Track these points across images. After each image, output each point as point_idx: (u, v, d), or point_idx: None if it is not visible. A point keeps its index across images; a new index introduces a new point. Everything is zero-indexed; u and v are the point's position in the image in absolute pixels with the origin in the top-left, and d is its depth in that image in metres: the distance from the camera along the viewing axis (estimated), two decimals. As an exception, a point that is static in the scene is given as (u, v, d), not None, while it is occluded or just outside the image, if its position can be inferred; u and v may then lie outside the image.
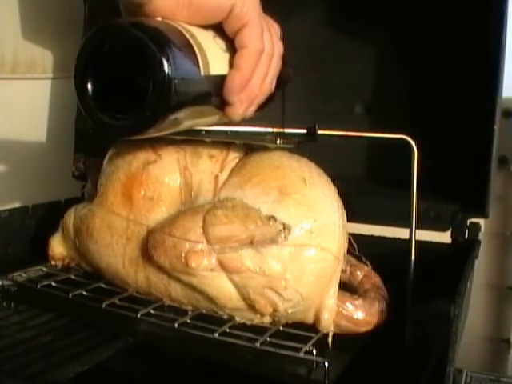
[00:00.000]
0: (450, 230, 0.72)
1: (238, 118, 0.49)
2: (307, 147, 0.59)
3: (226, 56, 0.47)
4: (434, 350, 0.53)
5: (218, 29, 0.47)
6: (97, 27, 0.43)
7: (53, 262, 0.69)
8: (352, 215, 0.59)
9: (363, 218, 0.71)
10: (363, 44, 0.77)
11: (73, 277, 0.66)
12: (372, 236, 0.73)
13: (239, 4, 0.45)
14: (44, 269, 0.68)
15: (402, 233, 0.63)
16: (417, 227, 0.56)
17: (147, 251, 0.57)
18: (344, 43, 0.78)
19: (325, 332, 0.55)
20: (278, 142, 0.57)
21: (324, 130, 0.58)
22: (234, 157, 0.60)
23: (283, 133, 0.59)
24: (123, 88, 0.43)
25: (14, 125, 0.86)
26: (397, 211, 0.65)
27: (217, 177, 0.59)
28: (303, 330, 0.55)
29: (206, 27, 0.46)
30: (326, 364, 0.50)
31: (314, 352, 0.52)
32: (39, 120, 0.93)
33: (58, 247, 0.68)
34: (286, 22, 0.78)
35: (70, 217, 0.66)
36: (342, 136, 0.59)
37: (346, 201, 0.58)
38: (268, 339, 0.53)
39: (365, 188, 0.75)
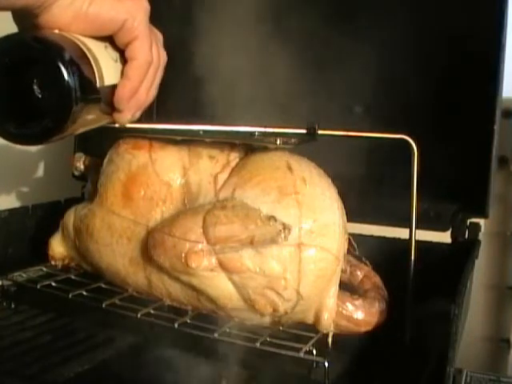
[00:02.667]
0: (450, 229, 0.72)
1: (125, 123, 0.52)
2: (307, 147, 0.59)
3: (117, 66, 0.50)
4: (434, 350, 0.53)
5: (109, 40, 0.49)
6: None
7: (53, 262, 0.69)
8: (352, 215, 0.59)
9: (363, 218, 0.71)
10: (363, 44, 0.77)
11: (73, 277, 0.67)
12: (372, 236, 0.73)
13: (131, 18, 0.48)
14: (44, 269, 0.68)
15: (402, 233, 0.63)
16: (417, 227, 0.56)
17: (147, 251, 0.57)
18: (344, 43, 0.78)
19: (325, 332, 0.55)
20: (278, 142, 0.57)
21: (324, 130, 0.58)
22: (234, 157, 0.60)
23: (283, 133, 0.59)
24: (27, 98, 0.45)
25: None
26: (397, 211, 0.65)
27: (217, 177, 0.59)
28: (303, 330, 0.55)
29: (98, 38, 0.49)
30: (326, 364, 0.50)
31: (314, 352, 0.52)
32: None
33: (58, 247, 0.68)
34: (286, 21, 0.78)
35: (70, 217, 0.66)
36: (342, 136, 0.59)
37: (345, 201, 0.58)
38: (268, 339, 0.53)
39: (365, 188, 0.75)
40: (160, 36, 0.54)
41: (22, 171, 0.89)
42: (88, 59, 0.46)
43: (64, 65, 0.43)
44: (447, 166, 0.71)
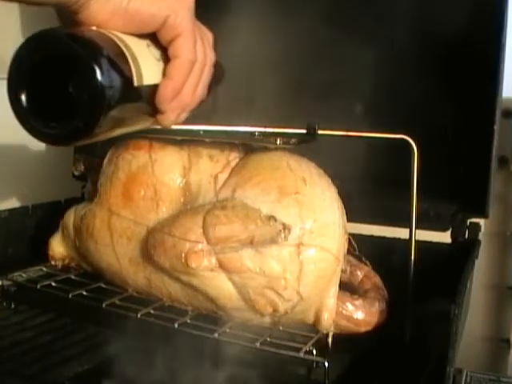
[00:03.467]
0: (450, 229, 0.72)
1: (169, 125, 0.50)
2: (307, 147, 0.59)
3: (160, 65, 0.48)
4: (434, 350, 0.53)
5: (153, 38, 0.48)
6: (30, 36, 0.43)
7: (53, 262, 0.69)
8: (352, 215, 0.59)
9: (363, 218, 0.71)
10: (363, 44, 0.77)
11: (73, 277, 0.67)
12: (372, 236, 0.73)
13: (173, 15, 0.46)
14: (44, 269, 0.68)
15: (402, 233, 0.63)
16: (417, 227, 0.56)
17: (147, 251, 0.57)
18: (344, 43, 0.77)
19: (325, 332, 0.55)
20: (278, 142, 0.57)
21: (324, 130, 0.58)
22: (234, 157, 0.60)
23: (283, 133, 0.59)
24: (58, 96, 0.44)
25: (14, 125, 0.86)
26: (397, 211, 0.65)
27: (217, 177, 0.59)
28: (303, 330, 0.55)
29: (140, 36, 0.47)
30: (326, 364, 0.50)
31: (314, 352, 0.52)
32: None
33: (58, 247, 0.68)
34: (286, 21, 0.78)
35: (70, 217, 0.66)
36: (342, 136, 0.59)
37: (345, 201, 0.58)
38: (268, 339, 0.53)
39: (365, 188, 0.75)
40: (210, 35, 0.52)
41: (21, 171, 0.89)
42: (125, 57, 0.44)
43: (97, 63, 0.41)
44: (447, 165, 0.71)
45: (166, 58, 0.48)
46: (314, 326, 0.56)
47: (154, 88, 0.47)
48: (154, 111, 0.48)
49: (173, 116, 0.49)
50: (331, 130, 0.59)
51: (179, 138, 0.60)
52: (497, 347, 0.93)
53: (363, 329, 0.57)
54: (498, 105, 0.67)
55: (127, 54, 0.44)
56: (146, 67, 0.46)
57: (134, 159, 0.61)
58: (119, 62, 0.43)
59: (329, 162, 0.58)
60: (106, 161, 0.64)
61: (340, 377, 0.51)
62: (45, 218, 0.78)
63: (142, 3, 0.45)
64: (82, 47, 0.42)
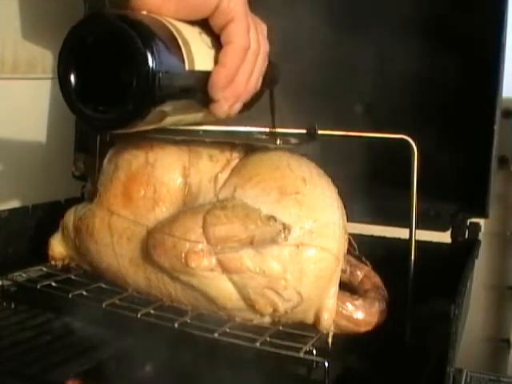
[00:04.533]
0: (450, 229, 0.72)
1: (223, 115, 0.48)
2: (307, 147, 0.59)
3: (212, 52, 0.47)
4: (434, 350, 0.53)
5: (205, 25, 0.46)
6: (82, 18, 0.43)
7: (53, 262, 0.69)
8: (352, 215, 0.59)
9: (363, 218, 0.71)
10: (363, 44, 0.77)
11: (73, 277, 0.66)
12: (372, 236, 0.73)
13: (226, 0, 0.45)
14: (44, 269, 0.68)
15: (402, 233, 0.63)
16: (417, 227, 0.56)
17: (147, 251, 0.57)
18: (344, 43, 0.78)
19: (325, 332, 0.55)
20: (278, 142, 0.57)
21: (324, 130, 0.58)
22: (234, 157, 0.60)
23: (283, 133, 0.59)
24: (107, 80, 0.42)
25: (14, 125, 0.86)
26: (397, 211, 0.65)
27: (217, 177, 0.59)
28: (303, 330, 0.55)
29: (192, 23, 0.46)
30: (326, 364, 0.50)
31: (314, 352, 0.52)
32: (39, 120, 0.93)
33: (58, 247, 0.68)
34: (286, 21, 0.78)
35: (70, 217, 0.66)
36: (342, 136, 0.59)
37: (345, 201, 0.58)
38: (268, 339, 0.53)
39: (365, 188, 0.75)
40: (263, 25, 0.51)
41: (22, 171, 0.89)
42: (177, 43, 0.43)
43: (149, 46, 0.40)
44: (447, 165, 0.71)
45: (219, 46, 0.47)
46: (314, 326, 0.56)
47: (207, 75, 0.45)
48: (207, 100, 0.46)
49: (226, 105, 0.47)
50: (331, 130, 0.59)
51: (179, 137, 0.60)
52: (497, 347, 0.93)
53: (363, 329, 0.57)
54: (498, 105, 0.67)
55: (179, 38, 0.43)
56: (198, 53, 0.45)
57: (134, 159, 0.61)
58: (171, 46, 0.42)
59: (329, 162, 0.59)
60: (105, 161, 0.64)
61: (340, 377, 0.51)
62: (45, 218, 0.78)
63: None
64: (134, 29, 0.40)
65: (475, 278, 0.67)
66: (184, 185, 0.60)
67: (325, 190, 0.56)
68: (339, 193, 0.58)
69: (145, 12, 0.44)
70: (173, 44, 0.43)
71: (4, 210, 0.75)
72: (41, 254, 0.69)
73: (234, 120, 0.56)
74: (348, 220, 0.58)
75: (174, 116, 0.46)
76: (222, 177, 0.59)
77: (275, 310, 0.54)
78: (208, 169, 0.60)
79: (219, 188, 0.58)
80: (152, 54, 0.40)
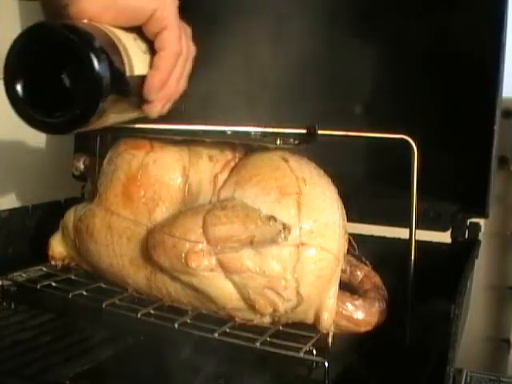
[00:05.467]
0: (450, 230, 0.72)
1: (155, 114, 0.52)
2: (307, 147, 0.59)
3: (146, 57, 0.50)
4: (434, 350, 0.53)
5: (138, 32, 0.49)
6: (27, 27, 0.44)
7: (53, 262, 0.69)
8: (352, 215, 0.59)
9: (363, 218, 0.71)
10: (363, 44, 0.77)
11: (73, 277, 0.66)
12: (372, 236, 0.73)
13: (160, 8, 0.48)
14: (44, 269, 0.68)
15: (402, 233, 0.63)
16: (417, 227, 0.56)
17: (147, 251, 0.57)
18: (344, 43, 0.78)
19: (325, 332, 0.55)
20: (278, 142, 0.57)
21: (324, 129, 0.58)
22: (233, 157, 0.60)
23: (283, 133, 0.59)
24: (54, 86, 0.45)
25: (14, 125, 0.86)
26: (397, 211, 0.65)
27: (217, 177, 0.59)
28: (303, 329, 0.55)
29: (127, 29, 0.49)
30: (326, 364, 0.50)
31: (314, 352, 0.52)
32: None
33: (58, 247, 0.68)
34: (287, 22, 0.78)
35: (70, 217, 0.66)
36: (342, 136, 0.59)
37: (345, 201, 0.58)
38: (268, 339, 0.53)
39: (365, 188, 0.75)
40: (188, 29, 0.54)
41: (22, 171, 0.89)
42: (118, 49, 0.46)
43: (94, 53, 0.42)
44: (447, 165, 0.71)
45: (152, 51, 0.50)
46: (314, 326, 0.56)
47: (142, 79, 0.49)
48: (142, 101, 0.50)
49: (159, 106, 0.51)
50: (331, 130, 0.59)
51: (179, 138, 0.60)
52: (497, 347, 0.93)
53: (363, 329, 0.57)
54: (498, 105, 0.67)
55: (119, 45, 0.46)
56: (136, 59, 0.48)
57: (134, 159, 0.61)
58: (113, 52, 0.45)
59: (329, 162, 0.59)
60: (105, 161, 0.64)
61: (340, 377, 0.51)
62: (45, 218, 0.78)
63: None
64: (80, 37, 0.43)
65: (475, 278, 0.67)
66: (184, 185, 0.60)
67: (325, 190, 0.56)
68: (339, 193, 0.58)
69: (85, 20, 0.46)
70: (114, 50, 0.45)
71: (4, 210, 0.75)
72: (41, 254, 0.69)
73: (235, 120, 0.56)
74: (348, 220, 0.58)
75: (113, 119, 0.49)
76: (222, 177, 0.59)
77: (275, 310, 0.54)
78: (208, 169, 0.60)
79: (219, 188, 0.58)
80: (97, 59, 0.43)
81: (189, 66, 0.53)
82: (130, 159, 0.61)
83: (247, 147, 0.61)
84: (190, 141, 0.61)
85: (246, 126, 0.59)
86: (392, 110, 0.76)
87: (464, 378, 0.68)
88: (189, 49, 0.52)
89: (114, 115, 0.49)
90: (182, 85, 0.53)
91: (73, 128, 0.45)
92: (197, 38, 0.55)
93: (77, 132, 0.47)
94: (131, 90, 0.48)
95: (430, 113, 0.74)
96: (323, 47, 0.80)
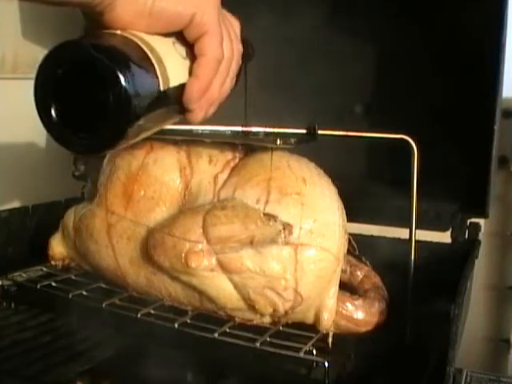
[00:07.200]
0: (450, 229, 0.72)
1: (198, 121, 0.50)
2: (307, 147, 0.59)
3: (186, 63, 0.48)
4: (434, 350, 0.53)
5: (178, 35, 0.48)
6: (53, 48, 0.43)
7: (53, 262, 0.69)
8: (352, 215, 0.59)
9: (363, 218, 0.71)
10: (363, 44, 0.77)
11: (73, 277, 0.67)
12: (372, 236, 0.73)
13: (200, 13, 0.46)
14: (44, 269, 0.68)
15: (402, 233, 0.63)
16: (417, 227, 0.56)
17: (147, 251, 0.57)
18: (344, 43, 0.78)
19: (325, 332, 0.55)
20: (278, 142, 0.57)
21: (324, 129, 0.58)
22: (233, 157, 0.60)
23: (283, 133, 0.59)
24: (85, 106, 0.44)
25: (15, 125, 0.86)
26: (397, 211, 0.65)
27: (217, 177, 0.59)
28: (303, 330, 0.55)
29: (165, 34, 0.47)
30: (326, 364, 0.50)
31: (314, 352, 0.52)
32: (39, 120, 0.93)
33: (58, 247, 0.68)
34: (287, 21, 0.78)
35: (70, 217, 0.66)
36: (342, 136, 0.59)
37: (345, 201, 0.58)
38: (268, 339, 0.53)
39: (365, 188, 0.75)
40: (236, 24, 0.52)
41: (22, 171, 0.89)
42: (151, 62, 0.44)
43: (122, 72, 0.41)
44: (447, 165, 0.71)
45: (193, 55, 0.48)
46: (314, 326, 0.56)
47: (181, 87, 0.47)
48: (182, 110, 0.48)
49: (201, 113, 0.49)
50: (331, 129, 0.59)
51: (179, 138, 0.60)
52: (497, 347, 0.93)
53: (363, 329, 0.57)
54: (498, 105, 0.67)
55: (152, 58, 0.44)
56: (172, 68, 0.46)
57: (134, 159, 0.61)
58: (145, 67, 0.43)
59: (329, 162, 0.58)
60: (105, 161, 0.64)
61: (340, 377, 0.51)
62: (45, 218, 0.78)
63: (167, 3, 0.44)
64: (106, 57, 0.41)
65: (475, 278, 0.67)
66: (184, 185, 0.60)
67: (325, 190, 0.56)
68: (339, 193, 0.58)
69: (118, 30, 0.45)
70: (146, 64, 0.44)
71: (4, 210, 0.75)
72: (41, 254, 0.69)
73: (235, 120, 0.56)
74: (348, 220, 0.58)
75: (151, 130, 0.48)
76: (222, 177, 0.59)
77: (275, 310, 0.54)
78: (208, 169, 0.60)
79: (219, 188, 0.58)
80: (125, 78, 0.41)
81: (234, 68, 0.51)
82: (130, 159, 0.62)
83: (247, 147, 0.61)
84: (189, 141, 0.61)
85: (245, 126, 0.59)
86: (392, 110, 0.76)
87: (464, 378, 0.68)
88: (233, 51, 0.50)
89: (155, 125, 0.47)
90: (226, 88, 0.51)
91: (104, 149, 0.45)
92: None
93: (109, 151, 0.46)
94: (168, 103, 0.46)
95: (430, 113, 0.75)
96: (323, 47, 0.80)
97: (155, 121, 0.47)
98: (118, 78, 0.41)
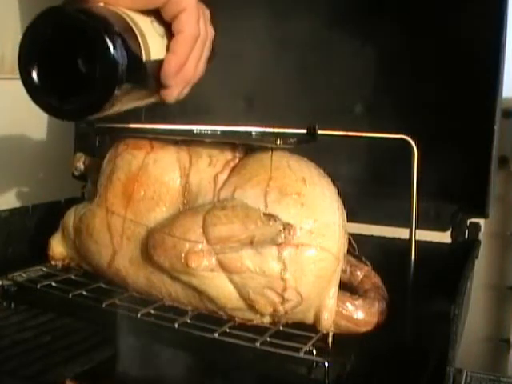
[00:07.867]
0: (450, 229, 0.72)
1: (172, 99, 0.51)
2: (307, 147, 0.59)
3: (164, 41, 0.49)
4: (434, 350, 0.52)
5: (155, 15, 0.48)
6: (41, 12, 0.43)
7: (53, 262, 0.69)
8: (352, 215, 0.59)
9: (363, 218, 0.71)
10: (363, 44, 0.77)
11: (73, 277, 0.67)
12: (372, 236, 0.73)
13: None
14: (44, 269, 0.68)
15: (402, 233, 0.63)
16: (417, 227, 0.56)
17: (147, 251, 0.57)
18: (344, 43, 0.78)
19: (325, 332, 0.55)
20: (278, 142, 0.57)
21: (324, 129, 0.58)
22: (233, 157, 0.60)
23: (283, 133, 0.59)
24: (68, 72, 0.44)
25: (15, 125, 0.86)
26: (397, 211, 0.65)
27: (217, 177, 0.59)
28: (303, 330, 0.55)
29: (144, 12, 0.48)
30: (326, 364, 0.50)
31: (314, 352, 0.52)
32: (39, 120, 0.93)
33: (58, 247, 0.68)
34: (287, 21, 0.78)
35: (70, 217, 0.66)
36: (342, 136, 0.59)
37: (346, 201, 0.58)
38: (268, 339, 0.53)
39: (365, 188, 0.75)
40: (207, 11, 0.53)
41: (22, 171, 0.89)
42: (134, 33, 0.45)
43: (110, 38, 0.42)
44: (447, 165, 0.71)
45: (169, 34, 0.49)
46: (314, 326, 0.56)
47: (159, 63, 0.48)
48: (159, 86, 0.49)
49: (176, 90, 0.50)
50: (331, 129, 0.59)
51: (179, 137, 0.60)
52: (497, 347, 0.93)
53: (363, 329, 0.57)
54: (498, 105, 0.67)
55: (136, 29, 0.45)
56: (153, 43, 0.47)
57: (134, 159, 0.61)
58: (130, 37, 0.44)
59: (329, 162, 0.58)
60: (105, 161, 0.64)
61: (340, 377, 0.51)
62: (45, 218, 0.78)
63: None
64: (96, 21, 0.42)
65: (475, 278, 0.67)
66: (184, 185, 0.60)
67: (325, 190, 0.56)
68: (339, 193, 0.58)
69: (101, 4, 0.45)
70: (131, 35, 0.45)
71: (4, 210, 0.75)
72: (41, 254, 0.69)
73: (234, 120, 0.56)
74: (348, 220, 0.58)
75: (128, 104, 0.48)
76: (222, 177, 0.59)
77: (275, 310, 0.54)
78: (208, 169, 0.60)
79: (219, 188, 0.58)
80: (113, 44, 0.42)
81: (207, 48, 0.52)
82: (130, 159, 0.62)
83: (247, 147, 0.61)
84: (189, 141, 0.61)
85: (245, 125, 0.59)
86: (392, 110, 0.76)
87: (464, 378, 0.68)
88: (207, 32, 0.51)
89: (130, 101, 0.48)
90: (200, 69, 0.52)
91: (87, 114, 0.45)
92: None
93: (92, 117, 0.46)
94: (148, 75, 0.47)
95: (430, 113, 0.74)
96: (323, 47, 0.80)
97: (134, 95, 0.47)
98: (105, 41, 0.42)
